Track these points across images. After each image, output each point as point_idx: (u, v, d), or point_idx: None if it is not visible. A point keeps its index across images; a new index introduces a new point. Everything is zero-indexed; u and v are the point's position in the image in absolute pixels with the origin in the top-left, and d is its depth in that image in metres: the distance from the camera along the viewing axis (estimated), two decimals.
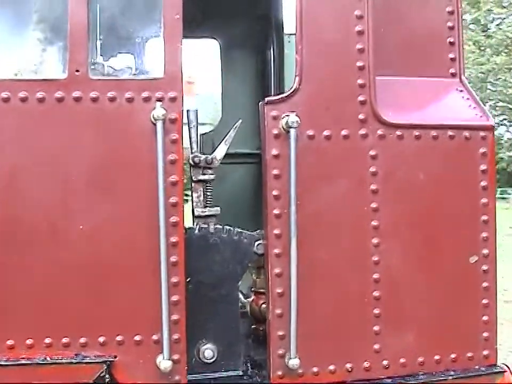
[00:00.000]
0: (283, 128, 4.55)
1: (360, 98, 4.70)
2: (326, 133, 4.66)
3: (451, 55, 5.14)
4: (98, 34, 4.50)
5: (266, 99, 4.61)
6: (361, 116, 4.70)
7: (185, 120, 4.77)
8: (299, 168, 4.54)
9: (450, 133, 4.81)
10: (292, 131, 4.49)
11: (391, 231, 4.72)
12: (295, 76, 4.64)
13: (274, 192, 4.58)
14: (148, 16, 4.64)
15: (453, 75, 5.14)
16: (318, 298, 4.64)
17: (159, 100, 4.42)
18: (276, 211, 4.58)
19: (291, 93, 4.62)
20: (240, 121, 5.07)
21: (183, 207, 4.48)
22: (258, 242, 4.77)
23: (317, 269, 4.65)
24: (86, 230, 4.36)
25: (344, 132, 4.68)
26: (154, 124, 4.33)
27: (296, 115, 4.54)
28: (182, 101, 4.47)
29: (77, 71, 4.36)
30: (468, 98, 5.05)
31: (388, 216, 4.72)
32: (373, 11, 4.71)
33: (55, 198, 4.36)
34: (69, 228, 4.36)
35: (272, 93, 6.41)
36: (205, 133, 6.44)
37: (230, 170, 6.51)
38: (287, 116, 4.56)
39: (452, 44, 5.14)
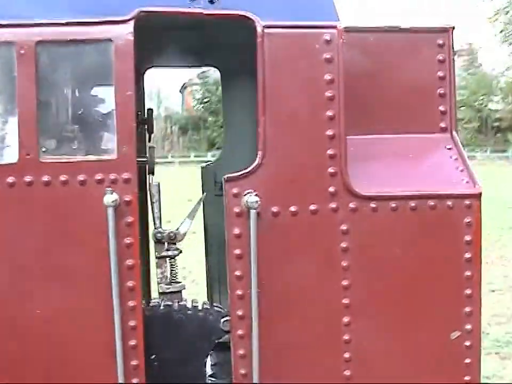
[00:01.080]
0: (245, 206, 4.33)
1: (330, 170, 4.40)
2: (292, 208, 4.40)
3: (441, 108, 4.74)
4: (49, 115, 4.34)
5: (226, 176, 4.38)
6: (331, 189, 4.42)
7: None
8: (262, 247, 4.33)
9: (431, 202, 4.47)
10: (252, 212, 4.26)
11: (363, 309, 4.49)
12: (258, 150, 4.38)
13: (237, 273, 4.39)
14: (100, 94, 4.44)
15: (443, 130, 4.75)
16: (284, 380, 4.49)
17: (113, 182, 4.26)
18: (239, 291, 4.40)
19: (253, 168, 4.37)
20: (205, 194, 4.86)
21: (141, 290, 4.38)
22: (225, 319, 4.62)
23: (283, 351, 4.48)
24: (42, 316, 4.32)
25: (312, 207, 4.42)
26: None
27: (257, 194, 4.30)
28: (138, 182, 4.32)
29: (28, 154, 4.24)
30: (456, 159, 4.66)
31: (360, 293, 4.48)
32: (344, 72, 4.36)
33: (9, 284, 4.32)
34: (24, 316, 4.33)
35: None
36: (206, 165, 6.24)
37: None
38: (248, 193, 4.33)
39: (442, 95, 4.73)
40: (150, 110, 5.70)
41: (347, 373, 4.52)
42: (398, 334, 4.54)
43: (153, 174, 5.15)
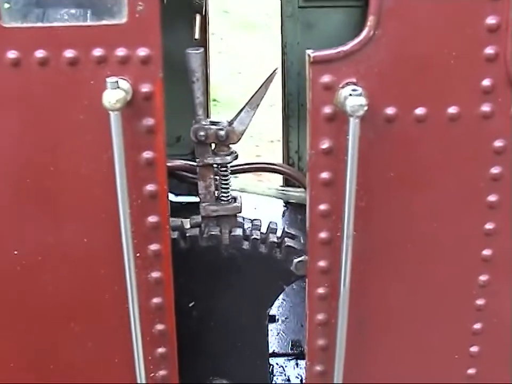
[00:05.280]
0: (341, 106, 2.60)
1: (488, 51, 2.60)
2: (418, 111, 2.66)
3: None
4: None
5: (312, 55, 2.60)
6: (485, 82, 2.64)
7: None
8: (365, 170, 2.69)
9: None
10: (355, 113, 2.54)
11: (507, 266, 2.92)
12: (369, 14, 2.56)
13: (322, 207, 2.78)
14: None
15: None
16: (377, 355, 3.06)
17: (121, 62, 2.55)
18: (323, 234, 2.83)
19: (358, 44, 2.58)
20: (276, 69, 3.09)
21: (168, 229, 2.82)
22: (299, 259, 3.08)
23: (382, 318, 3.00)
24: (20, 256, 2.85)
25: (451, 110, 2.67)
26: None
27: (363, 86, 2.57)
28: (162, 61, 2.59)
29: None
30: None
31: (508, 243, 2.88)
32: None
33: None
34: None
35: None
36: None
37: (324, 16, 5.02)
38: (348, 85, 2.59)
39: None
40: None
41: (474, 348, 3.06)
42: None
43: (200, 14, 3.44)
